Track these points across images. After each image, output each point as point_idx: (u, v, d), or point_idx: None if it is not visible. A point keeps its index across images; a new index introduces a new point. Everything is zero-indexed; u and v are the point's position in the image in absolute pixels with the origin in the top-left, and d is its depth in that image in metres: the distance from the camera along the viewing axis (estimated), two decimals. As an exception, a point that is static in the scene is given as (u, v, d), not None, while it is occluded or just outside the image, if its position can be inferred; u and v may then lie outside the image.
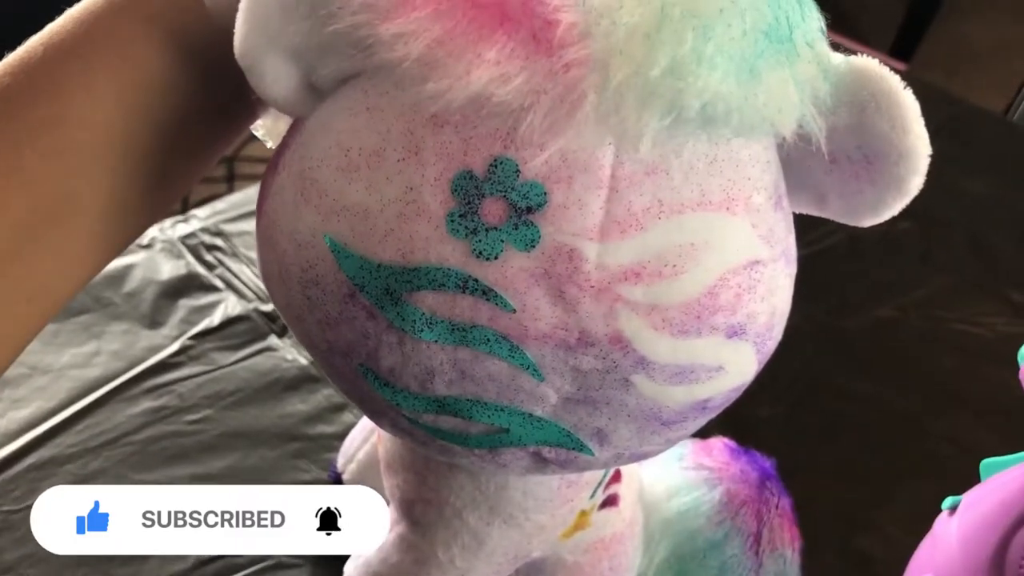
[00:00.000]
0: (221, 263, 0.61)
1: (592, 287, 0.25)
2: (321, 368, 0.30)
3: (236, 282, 0.60)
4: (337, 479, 0.48)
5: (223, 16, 0.28)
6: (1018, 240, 0.80)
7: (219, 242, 0.63)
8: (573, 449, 0.29)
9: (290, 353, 0.56)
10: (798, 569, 0.45)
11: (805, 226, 0.79)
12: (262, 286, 0.60)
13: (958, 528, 0.43)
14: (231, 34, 0.26)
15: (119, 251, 0.30)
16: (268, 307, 0.59)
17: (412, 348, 0.26)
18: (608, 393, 0.27)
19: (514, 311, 0.25)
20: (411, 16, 0.24)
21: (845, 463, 0.57)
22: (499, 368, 0.26)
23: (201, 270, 0.61)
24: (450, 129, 0.24)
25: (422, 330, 0.26)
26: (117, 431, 0.50)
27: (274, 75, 0.26)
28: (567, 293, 0.25)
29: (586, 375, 0.26)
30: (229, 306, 0.59)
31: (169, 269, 0.60)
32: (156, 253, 0.61)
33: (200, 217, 0.64)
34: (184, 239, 0.63)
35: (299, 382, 0.55)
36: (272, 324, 0.58)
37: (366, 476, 0.46)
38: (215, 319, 0.57)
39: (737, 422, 0.52)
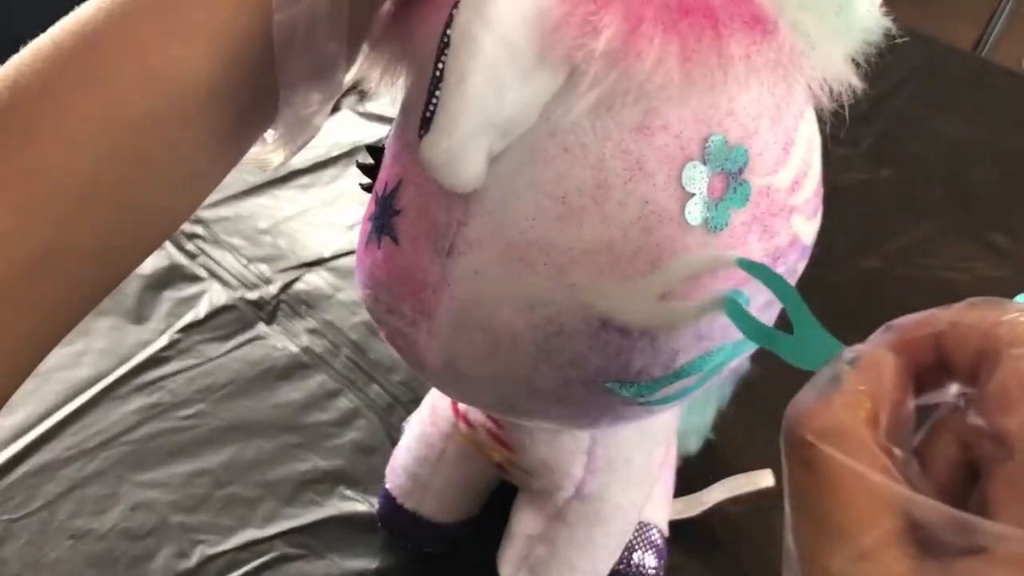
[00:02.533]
0: (203, 251, 0.61)
1: (781, 209, 0.29)
2: (534, 402, 0.31)
3: (219, 270, 0.59)
4: (389, 498, 0.46)
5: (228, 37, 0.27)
6: (998, 180, 0.80)
7: (199, 230, 0.62)
8: (751, 349, 0.32)
9: (279, 341, 0.56)
10: None
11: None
12: (246, 273, 0.60)
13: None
14: (223, 62, 0.25)
15: (109, 291, 0.29)
16: (253, 295, 0.58)
17: (663, 340, 0.29)
18: None
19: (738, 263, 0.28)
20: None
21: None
22: (726, 316, 0.29)
23: (183, 260, 0.60)
24: (660, 131, 0.27)
25: (676, 318, 0.29)
26: (112, 431, 0.50)
27: (476, 156, 0.26)
28: (769, 226, 0.29)
29: None
30: (214, 296, 0.58)
31: (151, 261, 0.59)
32: (136, 245, 0.60)
33: (178, 205, 0.63)
34: (163, 229, 0.61)
35: (290, 370, 0.54)
36: (259, 312, 0.57)
37: (425, 495, 0.45)
38: (201, 310, 0.57)
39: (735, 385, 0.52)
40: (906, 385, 0.23)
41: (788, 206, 0.30)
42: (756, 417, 0.57)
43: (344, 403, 0.53)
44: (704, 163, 0.27)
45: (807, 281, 0.68)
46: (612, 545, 0.42)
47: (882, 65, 0.94)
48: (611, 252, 0.27)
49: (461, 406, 0.42)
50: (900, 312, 0.67)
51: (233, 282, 0.59)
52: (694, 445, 0.52)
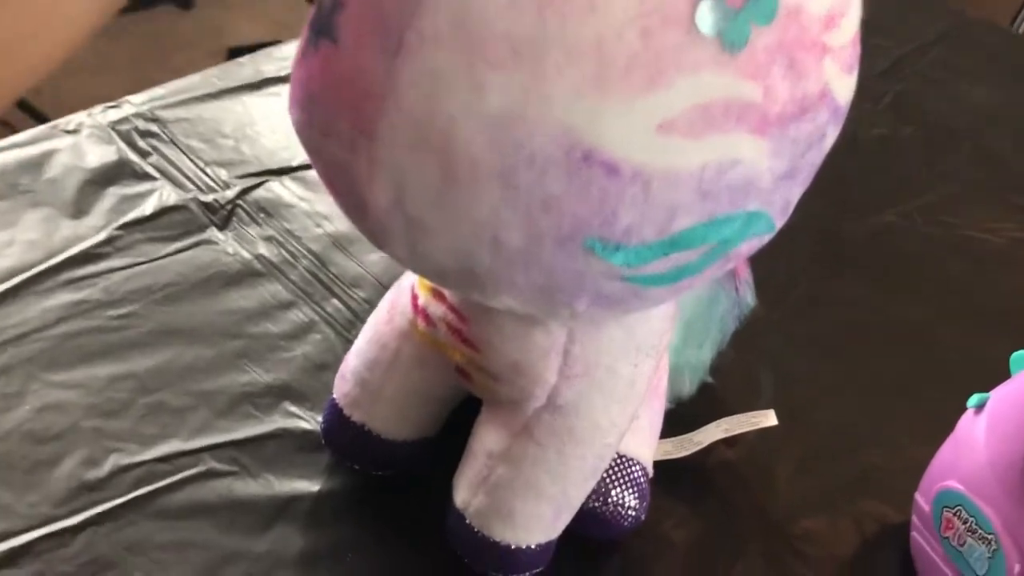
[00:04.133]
0: (156, 150, 0.55)
1: (813, 43, 0.25)
2: (498, 265, 0.26)
3: (172, 171, 0.54)
4: (335, 409, 0.40)
5: None
6: (1022, 145, 0.75)
7: (154, 128, 0.56)
8: (764, 233, 0.28)
9: (231, 247, 0.50)
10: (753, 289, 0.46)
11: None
12: (202, 176, 0.54)
13: (987, 427, 0.38)
14: None
15: None
16: (208, 197, 0.52)
17: (659, 188, 0.24)
18: (808, 157, 0.27)
19: (759, 102, 0.24)
20: None
21: (848, 374, 0.52)
22: (737, 174, 0.25)
23: (133, 157, 0.54)
24: None
25: (676, 160, 0.24)
26: (27, 326, 0.44)
27: None
28: (796, 58, 0.24)
29: (798, 144, 0.26)
30: (164, 195, 0.52)
31: (97, 155, 0.53)
32: (83, 139, 0.54)
33: (135, 103, 0.57)
34: (115, 124, 0.56)
35: (241, 277, 0.48)
36: (212, 215, 0.52)
37: (375, 405, 0.39)
38: (147, 208, 0.51)
39: (738, 331, 0.47)
40: None
41: (821, 43, 0.25)
42: (757, 362, 0.52)
43: (298, 316, 0.47)
44: None
45: (817, 231, 0.64)
46: (587, 470, 0.36)
47: (906, 28, 0.88)
48: (600, 56, 0.22)
49: (421, 300, 0.36)
50: (919, 267, 0.61)
51: (187, 183, 0.53)
52: (689, 385, 0.46)
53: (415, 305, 0.37)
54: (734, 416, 0.45)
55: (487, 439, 0.36)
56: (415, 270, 0.30)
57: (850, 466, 0.47)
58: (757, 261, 0.58)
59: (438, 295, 0.35)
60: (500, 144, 0.23)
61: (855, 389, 0.51)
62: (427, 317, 0.36)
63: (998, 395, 0.38)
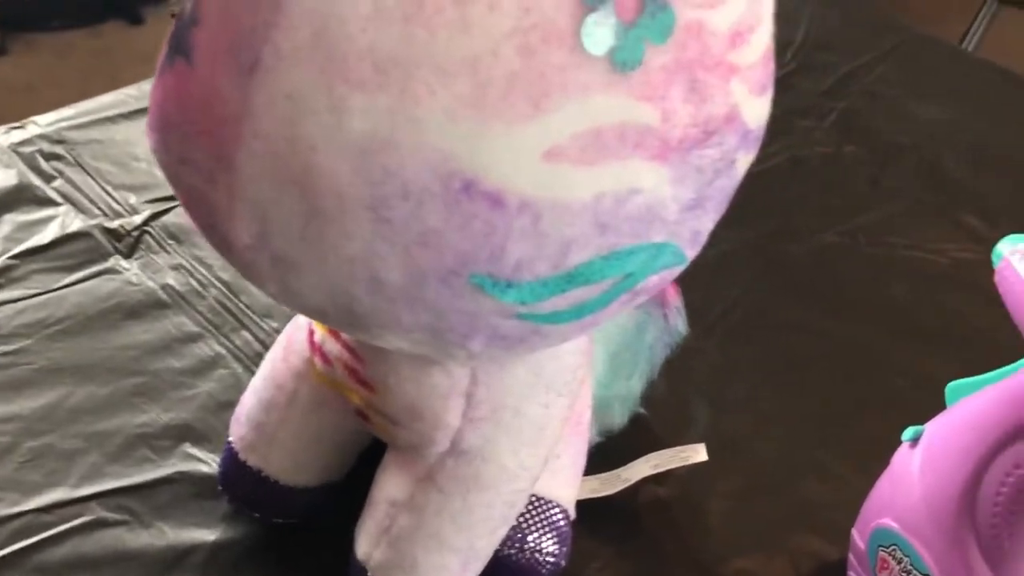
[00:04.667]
0: (61, 174, 0.52)
1: (715, 63, 0.23)
2: (379, 304, 0.23)
3: (77, 195, 0.51)
4: (231, 453, 0.37)
5: None
6: (972, 165, 0.74)
7: (60, 151, 0.53)
8: (675, 266, 0.26)
9: (136, 276, 0.47)
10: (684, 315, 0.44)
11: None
12: (110, 200, 0.51)
13: (922, 462, 0.36)
14: None
15: None
16: (114, 223, 0.49)
17: (551, 221, 0.22)
18: (716, 184, 0.25)
19: (657, 126, 0.22)
20: None
21: (788, 402, 0.50)
22: (637, 204, 0.23)
23: (36, 181, 0.51)
24: None
25: (567, 190, 0.22)
26: (-98, 365, 0.41)
27: None
28: (698, 79, 0.22)
29: (704, 172, 0.24)
30: (66, 222, 0.49)
31: (-5, 180, 0.51)
32: (-20, 162, 0.52)
33: (40, 124, 0.55)
34: (17, 147, 0.53)
35: (144, 309, 0.46)
36: (117, 243, 0.49)
37: (272, 449, 0.36)
38: (47, 236, 0.48)
39: (671, 359, 0.45)
40: None
41: (727, 62, 0.23)
42: (692, 391, 0.50)
43: (203, 349, 0.44)
44: None
45: (758, 253, 0.62)
46: (495, 519, 0.33)
47: (853, 44, 0.87)
48: (475, 75, 0.20)
49: (317, 336, 0.34)
50: (861, 289, 0.60)
51: (93, 209, 0.50)
52: (619, 417, 0.44)
53: (311, 342, 0.34)
54: (663, 451, 0.42)
55: (388, 487, 0.33)
56: (293, 308, 0.27)
57: (788, 500, 0.44)
58: (693, 286, 0.57)
59: (333, 332, 0.33)
60: (367, 174, 0.21)
61: (795, 418, 0.49)
62: (324, 355, 0.33)
63: (933, 428, 0.36)
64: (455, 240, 0.22)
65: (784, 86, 0.82)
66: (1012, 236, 0.35)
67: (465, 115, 0.20)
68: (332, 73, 0.20)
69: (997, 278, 0.34)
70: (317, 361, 0.34)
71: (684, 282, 0.57)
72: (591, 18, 0.20)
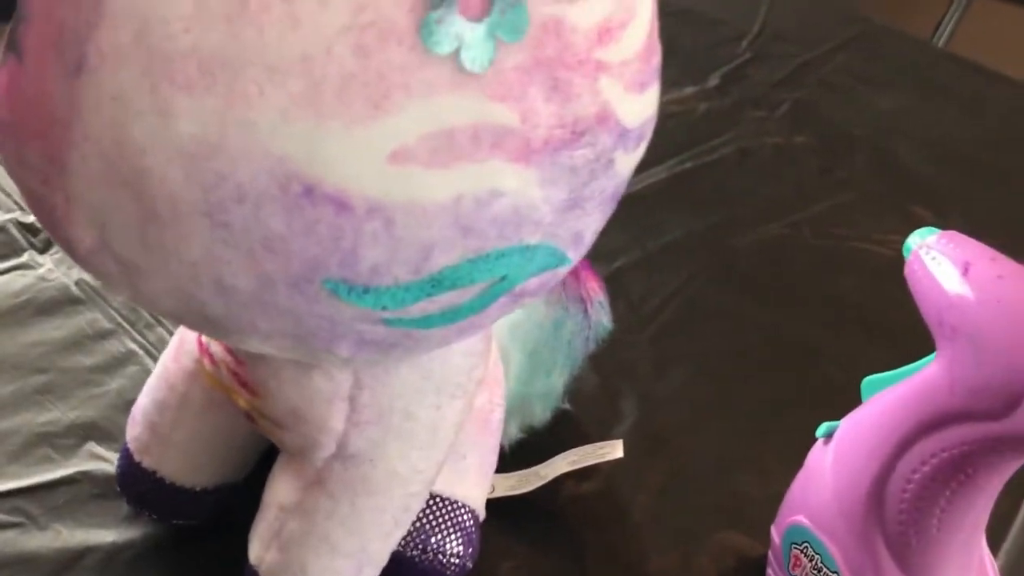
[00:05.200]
0: (-22, 168, 0.51)
1: (579, 61, 0.22)
2: (231, 310, 0.22)
3: (-7, 189, 0.50)
4: (126, 454, 0.37)
5: None
6: (925, 154, 0.73)
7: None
8: (556, 267, 0.25)
9: (50, 271, 0.46)
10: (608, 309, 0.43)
11: (692, 138, 0.70)
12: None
13: (834, 458, 0.35)
14: None
15: None
16: (30, 218, 0.48)
17: (406, 224, 0.21)
18: (593, 185, 0.24)
19: (516, 127, 0.21)
20: None
21: (722, 396, 0.49)
22: (502, 206, 0.22)
23: (-49, 175, 0.50)
24: None
25: (420, 193, 0.21)
26: None
27: None
28: (560, 78, 0.21)
29: (578, 172, 0.23)
30: (-21, 217, 0.48)
31: (-93, 174, 0.49)
32: None
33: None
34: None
35: (56, 305, 0.45)
36: (32, 237, 0.48)
37: (166, 450, 0.36)
38: (-43, 231, 0.47)
39: (602, 353, 0.44)
40: None
41: (593, 60, 0.22)
42: (622, 384, 0.49)
43: (115, 346, 0.43)
44: None
45: (702, 245, 0.61)
46: (387, 523, 0.32)
47: (812, 34, 0.86)
48: (308, 74, 0.19)
49: (204, 337, 0.33)
50: (805, 281, 0.59)
51: (8, 202, 0.49)
52: (540, 414, 0.43)
53: (199, 343, 0.33)
54: (582, 447, 0.42)
55: (279, 490, 0.32)
56: (150, 311, 0.26)
57: (715, 495, 0.44)
58: (632, 279, 0.56)
59: None
60: (199, 177, 0.20)
61: (727, 412, 0.48)
62: (211, 357, 0.32)
63: (845, 424, 0.36)
64: (301, 245, 0.21)
65: (737, 76, 0.81)
66: (922, 230, 0.34)
67: (300, 116, 0.19)
68: (156, 74, 0.19)
69: (906, 272, 0.33)
70: (206, 362, 0.33)
71: (622, 275, 0.56)
72: (433, 16, 0.19)
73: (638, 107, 0.24)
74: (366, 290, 0.22)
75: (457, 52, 0.20)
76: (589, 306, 0.42)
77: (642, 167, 0.68)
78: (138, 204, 0.20)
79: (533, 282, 0.25)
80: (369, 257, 0.21)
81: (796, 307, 0.56)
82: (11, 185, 0.50)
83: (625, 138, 0.24)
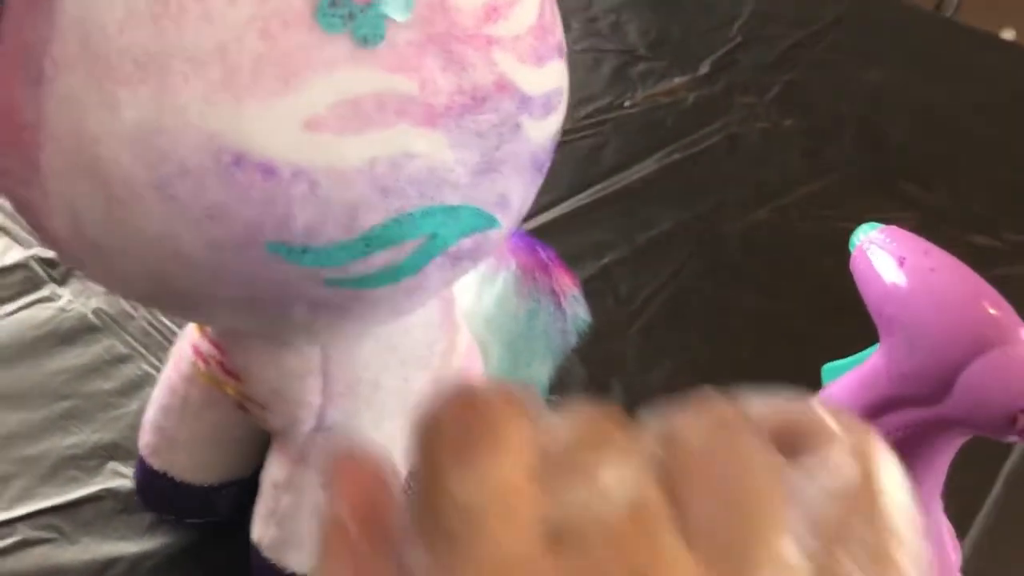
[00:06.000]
0: (0, 208, 0.54)
1: (469, 36, 0.25)
2: (192, 280, 0.25)
3: (13, 227, 0.53)
4: (140, 461, 0.40)
5: None
6: (913, 127, 0.74)
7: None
8: (485, 228, 0.28)
9: (69, 302, 0.49)
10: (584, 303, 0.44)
11: (680, 128, 0.72)
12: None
13: (794, 441, 0.37)
14: None
15: None
16: (50, 253, 0.52)
17: (329, 186, 0.24)
18: (505, 149, 0.27)
19: (416, 94, 0.24)
20: None
21: (710, 384, 0.51)
22: (417, 167, 0.25)
23: (-26, 217, 0.53)
24: None
25: (337, 157, 0.24)
26: None
27: None
28: (453, 51, 0.24)
29: (486, 136, 0.26)
30: (4, 254, 0.51)
31: (-64, 218, 0.53)
32: (-79, 201, 0.54)
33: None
34: (-43, 183, 0.55)
35: (76, 333, 0.48)
36: (51, 271, 0.51)
37: (174, 451, 0.39)
38: (-17, 269, 0.50)
39: (589, 346, 0.46)
40: None
41: (483, 35, 0.25)
42: (610, 375, 0.51)
43: (131, 370, 0.47)
44: None
45: (692, 233, 0.63)
46: None
47: (803, 14, 0.87)
48: (224, 61, 0.22)
49: (194, 339, 0.36)
50: (792, 265, 0.60)
51: (28, 239, 0.52)
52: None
53: (192, 346, 0.36)
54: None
55: (272, 470, 0.36)
56: (125, 296, 0.30)
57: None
58: (622, 272, 0.58)
59: (201, 329, 0.35)
60: (146, 158, 0.23)
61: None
62: (201, 355, 0.36)
63: (806, 408, 0.38)
64: (240, 210, 0.24)
65: (727, 62, 0.82)
66: (867, 224, 0.36)
67: (221, 98, 0.23)
68: (100, 73, 0.23)
69: (851, 265, 0.35)
70: (199, 363, 0.36)
71: (611, 270, 0.58)
72: (325, 0, 0.23)
73: (538, 78, 0.27)
74: (304, 250, 0.25)
75: (351, 31, 0.23)
76: (563, 299, 0.45)
77: (631, 161, 0.70)
78: (100, 189, 0.24)
79: (466, 243, 0.28)
80: (301, 218, 0.24)
81: (784, 293, 0.57)
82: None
83: (528, 104, 0.27)
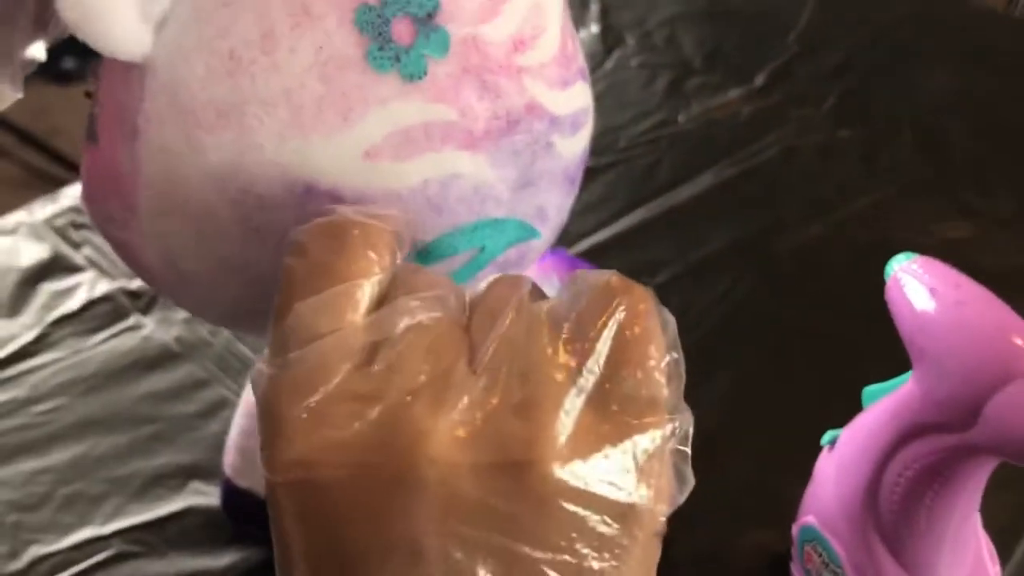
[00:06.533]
0: (88, 241, 0.58)
1: (500, 67, 0.28)
2: (268, 301, 0.29)
3: (102, 260, 0.57)
4: (226, 481, 0.43)
5: None
6: (975, 132, 0.73)
7: (86, 219, 0.60)
8: (528, 238, 0.31)
9: (153, 331, 0.53)
10: None
11: (734, 142, 0.72)
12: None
13: (836, 464, 0.39)
14: None
15: None
16: (134, 285, 0.56)
17: (388, 208, 0.26)
18: (540, 165, 0.30)
19: (457, 121, 0.27)
20: None
21: (762, 399, 0.52)
22: (463, 186, 0.28)
23: (67, 250, 0.58)
24: None
25: (393, 181, 0.27)
26: (-45, 429, 0.48)
27: (121, 11, 0.25)
28: (487, 81, 0.27)
29: (522, 154, 0.29)
30: (92, 287, 0.56)
31: (32, 253, 0.57)
32: (19, 238, 0.58)
33: (71, 196, 0.61)
34: (51, 220, 0.59)
35: (160, 360, 0.52)
36: (136, 302, 0.55)
37: (257, 470, 0.42)
38: (75, 303, 0.54)
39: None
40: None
41: (514, 65, 0.28)
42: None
43: (211, 394, 0.50)
44: (382, 7, 0.26)
45: (747, 251, 0.63)
46: None
47: (864, 18, 0.85)
48: (290, 103, 0.25)
49: None
50: (845, 280, 0.61)
51: (113, 271, 0.56)
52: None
53: None
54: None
55: None
56: (209, 320, 0.33)
57: (752, 496, 0.47)
58: (676, 290, 0.59)
59: None
60: (230, 195, 0.26)
61: (770, 415, 0.51)
62: None
63: (846, 433, 0.39)
64: None
65: (783, 73, 0.82)
66: (903, 254, 0.37)
67: (291, 135, 0.26)
68: (187, 124, 0.26)
69: (886, 294, 0.36)
70: None
71: (666, 288, 0.60)
72: (374, 46, 0.26)
73: (565, 100, 0.30)
74: None
75: (398, 70, 0.26)
76: None
77: (684, 178, 0.71)
78: (190, 225, 0.27)
79: (511, 253, 0.31)
80: None
81: (837, 307, 0.58)
82: (115, 258, 0.58)
83: (559, 124, 0.30)
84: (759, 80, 0.78)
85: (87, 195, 0.30)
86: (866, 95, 0.77)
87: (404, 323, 0.21)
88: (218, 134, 0.26)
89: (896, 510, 0.35)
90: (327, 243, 0.23)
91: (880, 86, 0.78)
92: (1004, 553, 0.43)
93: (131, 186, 0.27)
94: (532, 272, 0.45)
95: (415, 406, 0.20)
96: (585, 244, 0.61)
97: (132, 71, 0.26)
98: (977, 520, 0.37)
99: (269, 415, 0.20)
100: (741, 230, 0.64)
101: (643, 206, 0.65)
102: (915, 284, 0.35)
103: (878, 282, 0.60)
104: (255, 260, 0.27)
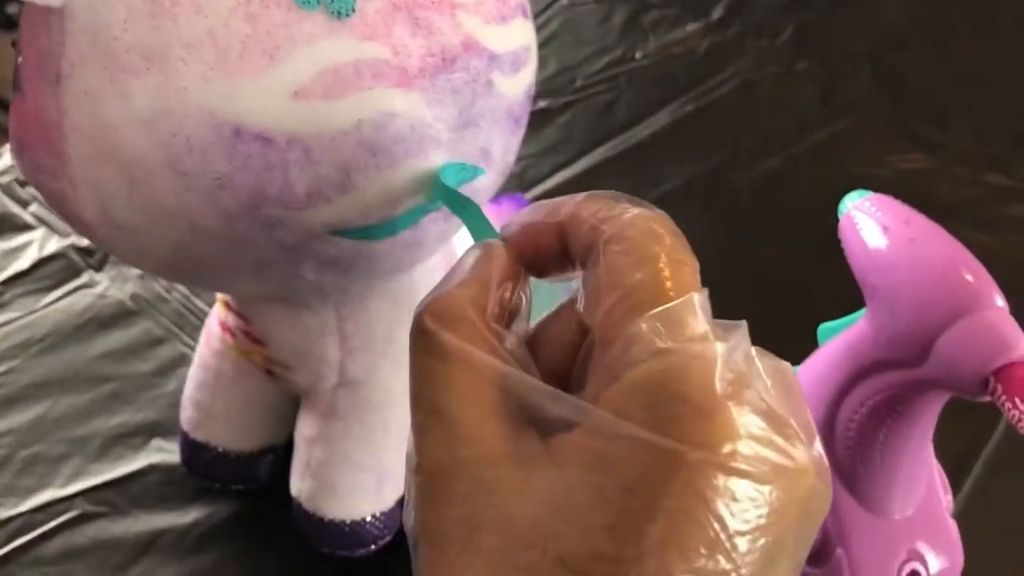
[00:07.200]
0: (36, 198, 0.57)
1: (433, 2, 0.27)
2: (208, 249, 0.28)
3: (51, 217, 0.56)
4: (184, 435, 0.43)
5: None
6: (930, 64, 0.73)
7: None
8: (471, 179, 0.30)
9: (107, 288, 0.52)
10: None
11: (692, 78, 0.71)
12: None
13: (791, 401, 0.39)
14: None
15: None
16: (86, 242, 0.54)
17: (321, 150, 0.26)
18: (480, 104, 0.29)
19: (390, 59, 0.26)
20: None
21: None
22: (399, 126, 0.27)
23: (14, 208, 0.56)
24: None
25: (325, 122, 0.26)
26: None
27: None
28: (419, 17, 0.27)
29: (460, 93, 0.28)
30: (42, 245, 0.54)
31: (-22, 212, 0.56)
32: (-37, 197, 0.57)
33: (15, 151, 0.59)
34: (-5, 177, 0.58)
35: (115, 319, 0.51)
36: (89, 259, 0.54)
37: (212, 423, 0.42)
38: (26, 261, 0.53)
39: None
40: (516, 273, 0.23)
41: (448, 1, 0.28)
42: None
43: (168, 350, 0.50)
44: None
45: (706, 184, 0.63)
46: (392, 435, 0.38)
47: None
48: (215, 45, 0.25)
49: (221, 316, 0.39)
50: (799, 214, 0.61)
51: (64, 228, 0.55)
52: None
53: (220, 323, 0.39)
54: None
55: (303, 427, 0.39)
56: (153, 273, 0.33)
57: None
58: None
59: (226, 304, 0.38)
60: (158, 138, 0.26)
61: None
62: (228, 330, 0.39)
63: (802, 369, 0.39)
64: (244, 178, 0.26)
65: (740, 6, 0.81)
66: (856, 191, 0.37)
67: (216, 76, 0.25)
68: (111, 68, 0.25)
69: (839, 232, 0.37)
70: (227, 337, 0.39)
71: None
72: None
73: (503, 36, 0.29)
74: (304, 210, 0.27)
75: (325, 6, 0.26)
76: None
77: (641, 115, 0.71)
78: (121, 172, 0.26)
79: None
80: (301, 183, 0.27)
81: (793, 243, 0.58)
82: (65, 212, 0.56)
83: (498, 62, 0.29)
84: (716, 13, 0.77)
85: (16, 146, 0.29)
86: (824, 27, 0.76)
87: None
88: (143, 78, 0.25)
89: (851, 446, 0.36)
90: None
91: (838, 17, 0.78)
92: (958, 480, 0.45)
93: (58, 133, 0.26)
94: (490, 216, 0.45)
95: None
96: (546, 185, 0.61)
97: (52, 16, 0.26)
98: (930, 451, 0.38)
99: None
100: (697, 168, 0.64)
101: (602, 145, 0.65)
102: (868, 222, 0.35)
103: (834, 217, 0.60)
104: (187, 205, 0.27)
